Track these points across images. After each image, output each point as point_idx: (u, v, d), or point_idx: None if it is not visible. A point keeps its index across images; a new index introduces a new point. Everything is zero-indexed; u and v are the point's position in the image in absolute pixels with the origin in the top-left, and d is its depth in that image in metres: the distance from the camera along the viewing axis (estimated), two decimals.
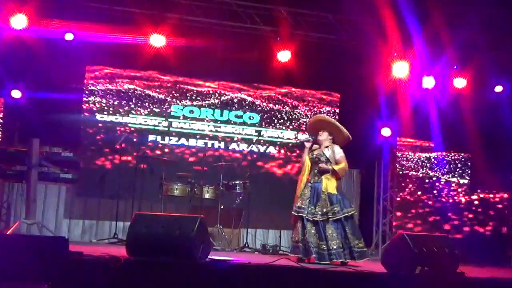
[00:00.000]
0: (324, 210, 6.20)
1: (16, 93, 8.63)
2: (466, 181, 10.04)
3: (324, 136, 6.49)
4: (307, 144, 6.51)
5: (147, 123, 9.45)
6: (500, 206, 9.81)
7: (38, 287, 4.09)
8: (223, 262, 5.35)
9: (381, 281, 5.01)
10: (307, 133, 7.05)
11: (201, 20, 8.96)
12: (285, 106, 9.97)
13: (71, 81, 9.04)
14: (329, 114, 10.17)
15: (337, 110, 10.21)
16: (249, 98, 9.93)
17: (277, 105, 9.98)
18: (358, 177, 10.55)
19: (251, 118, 9.83)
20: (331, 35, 9.35)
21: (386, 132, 9.97)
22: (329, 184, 6.32)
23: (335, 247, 6.08)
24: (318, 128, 6.57)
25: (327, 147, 6.47)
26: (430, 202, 10.04)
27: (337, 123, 6.68)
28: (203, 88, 9.75)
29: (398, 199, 10.10)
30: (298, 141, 6.58)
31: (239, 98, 9.89)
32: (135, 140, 9.25)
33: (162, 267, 4.55)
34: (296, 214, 6.27)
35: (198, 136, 9.64)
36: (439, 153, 10.17)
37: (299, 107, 10.09)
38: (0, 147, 7.90)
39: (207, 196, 8.26)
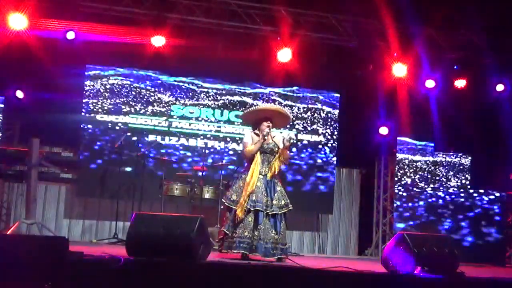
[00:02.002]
0: (282, 202, 6.09)
1: (19, 94, 8.64)
2: (466, 181, 10.03)
3: (271, 126, 6.28)
4: (266, 138, 6.26)
5: (147, 123, 9.45)
6: (500, 205, 9.79)
7: (38, 287, 4.09)
8: (223, 262, 5.35)
9: (381, 281, 5.01)
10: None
11: (201, 20, 8.96)
12: (285, 106, 9.96)
13: (71, 81, 9.04)
14: (329, 114, 10.18)
15: (337, 110, 10.21)
16: (249, 98, 9.92)
17: (277, 105, 9.96)
18: (358, 177, 10.56)
19: None
20: (331, 35, 9.34)
21: (385, 132, 9.98)
22: (278, 176, 6.22)
23: (284, 241, 6.09)
24: (262, 118, 6.30)
25: (274, 136, 6.29)
26: (430, 202, 10.03)
27: (283, 109, 6.62)
28: (203, 88, 9.75)
29: (398, 199, 10.10)
30: (265, 133, 6.34)
31: (239, 98, 9.89)
32: (135, 140, 9.25)
33: (162, 267, 4.55)
34: (252, 209, 5.95)
35: (198, 136, 9.64)
36: (439, 153, 10.17)
37: (298, 107, 10.09)
38: (0, 147, 7.91)
39: (207, 196, 8.26)
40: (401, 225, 9.90)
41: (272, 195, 6.09)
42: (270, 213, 6.04)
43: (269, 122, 6.28)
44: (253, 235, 5.95)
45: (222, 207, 6.31)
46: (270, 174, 6.17)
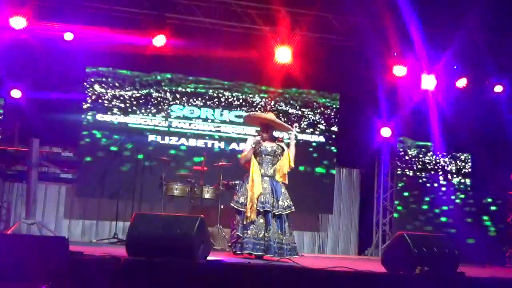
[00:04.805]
0: (285, 204, 6.28)
1: (16, 93, 8.63)
2: (466, 181, 10.04)
3: (270, 132, 6.54)
4: (255, 141, 6.46)
5: (147, 123, 9.45)
6: (500, 205, 9.80)
7: (38, 287, 4.09)
8: (223, 262, 5.35)
9: (381, 281, 5.01)
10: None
11: (201, 20, 8.96)
12: (285, 106, 9.96)
13: (71, 81, 9.05)
14: (329, 114, 10.18)
15: (337, 111, 10.21)
16: (249, 98, 9.93)
17: (276, 105, 9.97)
18: (358, 177, 10.57)
19: None
20: (331, 35, 9.35)
21: (386, 132, 9.99)
22: (282, 178, 6.41)
23: (290, 242, 6.25)
24: (261, 124, 6.61)
25: (280, 141, 6.56)
26: (430, 202, 10.03)
27: (278, 121, 6.67)
28: (203, 88, 9.75)
29: (398, 199, 10.11)
30: (253, 144, 6.49)
31: (239, 98, 9.89)
32: (135, 140, 9.25)
33: (162, 267, 4.54)
34: (262, 210, 6.18)
35: (198, 136, 9.64)
36: (439, 153, 10.17)
37: (298, 107, 10.08)
38: (0, 147, 7.90)
39: (207, 196, 8.26)
40: (400, 225, 9.90)
41: (278, 196, 6.28)
42: (276, 213, 6.23)
43: (264, 129, 6.51)
44: (265, 236, 6.15)
45: (235, 211, 6.44)
46: (279, 176, 6.38)
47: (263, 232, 6.15)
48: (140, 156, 8.74)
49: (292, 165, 6.44)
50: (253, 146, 6.41)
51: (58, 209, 9.18)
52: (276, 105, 9.99)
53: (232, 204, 6.43)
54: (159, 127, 9.47)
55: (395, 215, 10.13)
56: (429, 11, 8.76)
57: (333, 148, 10.18)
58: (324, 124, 10.16)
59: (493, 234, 9.76)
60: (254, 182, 6.26)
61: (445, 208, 9.97)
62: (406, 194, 10.11)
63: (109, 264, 4.45)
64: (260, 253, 6.09)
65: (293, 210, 6.35)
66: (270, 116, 6.68)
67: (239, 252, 6.19)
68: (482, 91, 9.76)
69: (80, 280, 4.29)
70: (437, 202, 10.00)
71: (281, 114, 9.85)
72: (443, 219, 9.92)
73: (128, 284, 4.43)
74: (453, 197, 10.00)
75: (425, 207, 10.05)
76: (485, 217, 9.83)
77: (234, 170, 8.79)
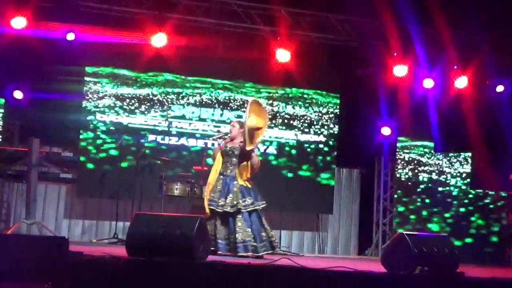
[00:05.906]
0: (235, 202, 6.34)
1: (17, 94, 8.64)
2: (466, 181, 10.03)
3: (235, 131, 6.66)
4: (219, 141, 6.67)
5: (147, 123, 9.45)
6: (500, 205, 9.79)
7: (38, 287, 4.09)
8: (223, 262, 5.35)
9: (381, 281, 5.01)
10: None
11: (201, 20, 8.97)
12: (285, 106, 9.96)
13: (71, 81, 9.04)
14: (329, 114, 10.16)
15: (337, 110, 10.21)
16: (249, 98, 9.91)
17: (276, 105, 9.97)
18: (358, 177, 10.56)
19: None
20: (331, 35, 9.35)
21: (386, 131, 10.00)
22: (241, 177, 6.49)
23: (247, 239, 6.28)
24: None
25: (241, 141, 6.59)
26: (430, 202, 10.03)
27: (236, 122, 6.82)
28: (203, 88, 9.74)
29: (397, 198, 10.11)
30: (213, 138, 6.85)
31: (239, 98, 9.89)
32: (135, 140, 9.24)
33: (162, 267, 4.55)
34: (209, 208, 6.38)
35: (198, 136, 9.63)
36: (440, 153, 10.17)
37: (298, 107, 10.08)
38: (0, 147, 7.91)
39: None
40: (400, 225, 9.90)
41: (226, 194, 6.39)
42: (221, 211, 6.35)
43: (231, 128, 6.71)
44: (214, 234, 6.32)
45: None
46: (244, 175, 6.50)
47: (211, 229, 6.28)
48: (140, 156, 8.73)
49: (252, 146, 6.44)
50: (211, 139, 6.70)
51: (58, 209, 9.18)
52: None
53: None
54: (159, 127, 9.47)
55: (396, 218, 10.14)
56: (429, 10, 8.76)
57: (333, 148, 10.17)
58: (324, 124, 10.16)
59: (493, 234, 9.74)
60: (211, 178, 6.51)
61: (444, 208, 9.96)
62: (405, 193, 10.10)
63: (109, 264, 4.45)
64: (212, 248, 6.18)
65: (239, 208, 6.32)
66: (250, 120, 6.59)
67: None
68: (482, 91, 9.76)
69: (80, 280, 4.28)
70: (436, 202, 9.99)
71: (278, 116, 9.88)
72: (442, 219, 9.91)
73: (128, 284, 4.43)
74: (452, 198, 9.98)
75: (424, 206, 10.03)
76: (485, 217, 9.82)
77: None
